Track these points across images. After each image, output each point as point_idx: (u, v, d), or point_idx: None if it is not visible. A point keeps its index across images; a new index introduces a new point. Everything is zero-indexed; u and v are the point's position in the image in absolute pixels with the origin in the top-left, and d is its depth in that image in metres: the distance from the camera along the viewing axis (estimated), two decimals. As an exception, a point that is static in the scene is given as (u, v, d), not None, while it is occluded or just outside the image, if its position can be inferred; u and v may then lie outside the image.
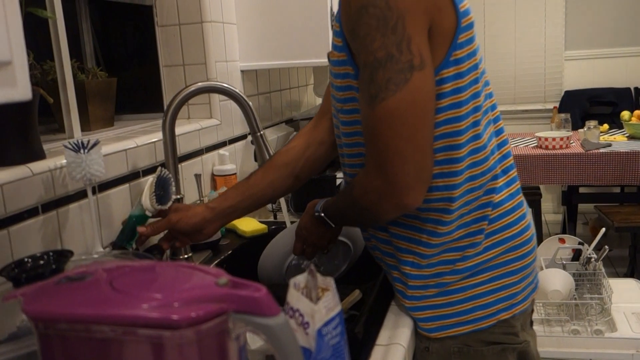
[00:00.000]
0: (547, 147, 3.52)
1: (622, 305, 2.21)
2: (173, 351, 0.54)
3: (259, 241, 1.65)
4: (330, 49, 1.88)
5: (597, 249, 2.46)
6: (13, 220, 1.04)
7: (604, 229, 2.40)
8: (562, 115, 3.85)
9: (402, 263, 1.08)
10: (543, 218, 4.69)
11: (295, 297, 0.77)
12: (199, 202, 1.53)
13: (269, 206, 1.90)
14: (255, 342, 0.95)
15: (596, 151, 3.35)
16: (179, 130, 1.57)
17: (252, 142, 1.42)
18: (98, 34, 1.90)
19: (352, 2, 0.89)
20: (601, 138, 3.68)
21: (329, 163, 2.02)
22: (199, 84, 1.33)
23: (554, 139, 3.50)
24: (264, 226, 1.68)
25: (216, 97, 1.79)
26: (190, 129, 1.65)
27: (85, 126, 1.60)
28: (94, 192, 1.24)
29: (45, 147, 1.26)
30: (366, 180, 0.95)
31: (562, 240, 2.57)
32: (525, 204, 1.14)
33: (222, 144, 1.83)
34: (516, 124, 4.99)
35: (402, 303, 1.09)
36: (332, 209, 1.14)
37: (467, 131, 0.98)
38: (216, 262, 1.47)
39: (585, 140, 3.54)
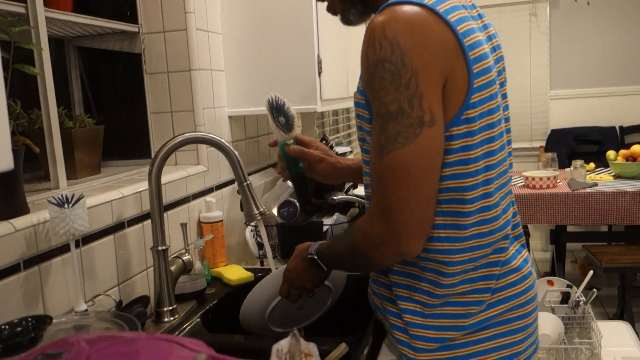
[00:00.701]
0: (534, 187, 3.54)
1: (612, 349, 2.20)
2: None
3: (245, 290, 1.63)
4: (317, 95, 1.90)
5: (588, 288, 2.46)
6: (-6, 277, 1.03)
7: (591, 272, 2.40)
8: (549, 154, 3.89)
9: (404, 312, 1.08)
10: (532, 257, 4.70)
11: (278, 364, 0.76)
12: (184, 251, 1.52)
13: (256, 252, 1.89)
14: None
15: (583, 191, 3.37)
16: (165, 178, 1.57)
17: (238, 192, 1.41)
18: (88, 79, 1.91)
19: (369, 55, 0.95)
20: (588, 177, 3.71)
21: (315, 209, 2.03)
22: (186, 134, 1.34)
23: (541, 179, 3.53)
24: (250, 274, 1.66)
25: (204, 144, 1.80)
26: (177, 177, 1.65)
27: (72, 174, 1.59)
28: (77, 246, 1.22)
29: (30, 198, 1.26)
30: (368, 225, 0.99)
31: (550, 283, 2.56)
32: (530, 261, 1.15)
33: (209, 190, 1.82)
34: (504, 161, 5.02)
35: (404, 353, 1.08)
36: (326, 252, 1.16)
37: (477, 188, 1.00)
38: (201, 312, 1.45)
39: (572, 180, 3.57)
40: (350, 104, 2.37)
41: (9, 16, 1.29)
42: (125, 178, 1.61)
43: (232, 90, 1.96)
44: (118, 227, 1.37)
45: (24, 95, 1.51)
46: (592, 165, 4.02)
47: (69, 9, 1.52)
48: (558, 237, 3.84)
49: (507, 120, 1.11)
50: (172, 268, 1.43)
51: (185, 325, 1.38)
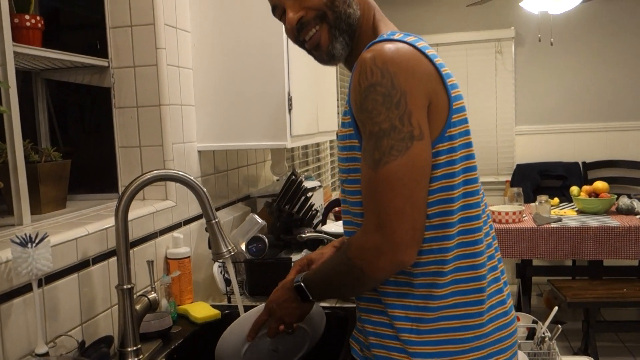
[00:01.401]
0: (500, 221, 3.60)
1: (576, 385, 2.22)
2: None
3: (212, 328, 1.61)
4: (286, 131, 1.91)
5: (553, 322, 2.49)
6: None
7: (556, 308, 2.44)
8: (514, 189, 3.97)
9: (400, 331, 1.10)
10: (499, 289, 4.73)
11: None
12: (150, 288, 1.50)
13: (223, 288, 1.87)
14: None
15: (548, 226, 3.44)
16: (133, 214, 1.55)
17: (206, 230, 1.40)
18: (56, 111, 1.89)
19: (361, 82, 1.04)
20: (552, 212, 3.79)
21: (284, 245, 2.03)
22: (155, 172, 1.33)
23: (507, 213, 3.59)
24: (216, 312, 1.65)
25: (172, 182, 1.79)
26: (144, 212, 1.63)
27: (36, 209, 1.56)
28: (40, 285, 1.20)
29: (-9, 235, 1.23)
30: (364, 238, 1.04)
31: (516, 318, 2.59)
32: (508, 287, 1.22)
33: (177, 226, 1.81)
34: (471, 195, 5.10)
35: None
36: (314, 278, 1.19)
37: (459, 200, 1.08)
38: (166, 352, 1.43)
39: (537, 215, 3.63)
40: (320, 139, 2.39)
41: (-24, 51, 1.27)
42: (91, 213, 1.59)
43: (202, 125, 1.96)
44: (82, 265, 1.35)
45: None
46: (556, 200, 4.11)
47: (38, 43, 1.51)
48: (524, 271, 3.89)
49: None
50: (138, 307, 1.40)
51: (150, 366, 1.35)
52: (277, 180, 2.61)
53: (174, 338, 1.51)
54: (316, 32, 1.17)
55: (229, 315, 1.68)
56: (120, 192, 1.80)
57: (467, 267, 1.10)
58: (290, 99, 1.91)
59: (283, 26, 1.21)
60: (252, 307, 1.33)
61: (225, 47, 1.92)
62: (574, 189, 3.87)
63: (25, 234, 1.09)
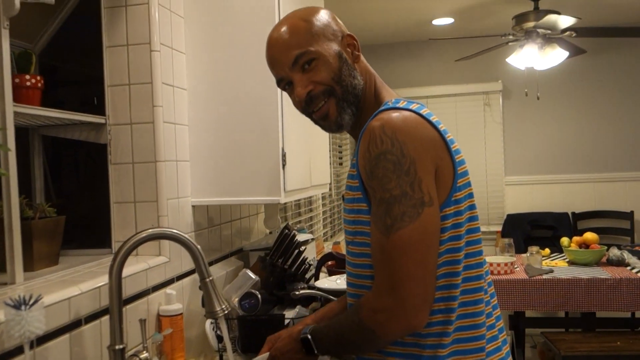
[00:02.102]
0: (492, 273, 3.60)
1: None
2: None
3: (204, 387, 1.59)
4: (280, 187, 1.93)
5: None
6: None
7: (550, 363, 2.42)
8: (506, 240, 3.98)
9: None
10: (492, 340, 4.69)
11: None
12: (142, 347, 1.48)
13: (215, 345, 1.85)
14: None
15: (539, 277, 3.44)
16: (126, 271, 1.54)
17: (200, 288, 1.40)
18: (51, 165, 1.90)
19: (371, 150, 1.08)
20: (543, 263, 3.80)
21: (277, 300, 2.02)
22: (150, 230, 1.33)
23: (498, 264, 3.59)
24: (209, 371, 1.63)
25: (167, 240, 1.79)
26: (138, 269, 1.63)
27: (29, 265, 1.55)
28: (31, 347, 1.18)
29: (-16, 295, 1.22)
30: (377, 301, 1.06)
31: (510, 373, 2.57)
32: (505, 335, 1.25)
33: (170, 282, 1.80)
34: (462, 245, 5.11)
35: None
36: (323, 332, 1.20)
37: (462, 261, 1.12)
38: (158, 414, 1.40)
39: (529, 266, 3.64)
40: (313, 192, 2.41)
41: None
42: (84, 270, 1.58)
43: (196, 180, 1.98)
44: (75, 324, 1.34)
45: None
46: (547, 250, 4.12)
47: (37, 102, 1.54)
48: (517, 323, 3.87)
49: None
50: (129, 367, 1.38)
51: None
52: (270, 233, 2.62)
53: (165, 399, 1.49)
54: (324, 104, 1.20)
55: (221, 374, 1.66)
56: (113, 248, 1.80)
57: (468, 327, 1.13)
58: (284, 155, 1.94)
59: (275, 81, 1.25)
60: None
61: (220, 104, 1.96)
62: (565, 240, 3.90)
63: (19, 296, 1.09)
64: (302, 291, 1.92)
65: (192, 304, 1.91)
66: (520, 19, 3.94)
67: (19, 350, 1.15)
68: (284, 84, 1.23)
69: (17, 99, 1.42)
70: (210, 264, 2.11)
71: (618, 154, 5.08)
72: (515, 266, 3.72)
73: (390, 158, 1.05)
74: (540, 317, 4.57)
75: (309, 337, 1.20)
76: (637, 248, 3.76)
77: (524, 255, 3.87)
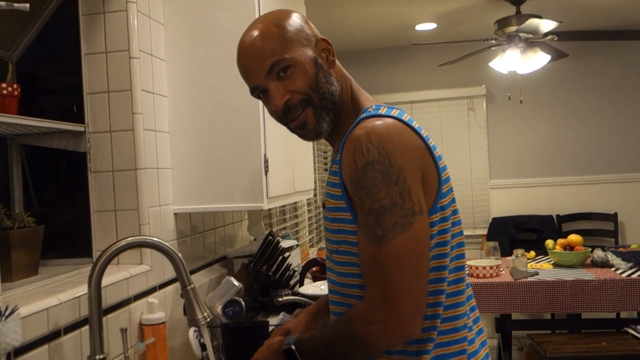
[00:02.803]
0: (478, 276, 3.61)
1: None
2: None
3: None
4: (263, 193, 1.92)
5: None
6: None
7: (536, 365, 2.42)
8: (491, 243, 4.00)
9: None
10: (479, 344, 4.70)
11: None
12: (123, 357, 1.47)
13: (199, 353, 1.83)
14: None
15: (525, 280, 3.46)
16: (106, 280, 1.53)
17: (181, 296, 1.39)
18: (31, 174, 1.88)
19: (357, 159, 1.06)
20: (529, 265, 3.81)
21: (261, 307, 2.01)
22: (130, 238, 1.32)
23: (484, 268, 3.60)
24: (192, 380, 1.61)
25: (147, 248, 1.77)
26: (119, 278, 1.61)
27: (7, 276, 1.53)
28: (8, 359, 1.16)
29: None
30: (370, 312, 1.04)
31: (497, 376, 2.57)
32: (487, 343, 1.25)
33: (152, 290, 1.78)
34: (449, 249, 5.13)
35: None
36: (308, 344, 1.15)
37: (449, 267, 1.12)
38: None
39: (514, 269, 3.65)
40: (296, 198, 2.41)
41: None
42: (64, 280, 1.56)
43: (178, 187, 1.96)
44: (53, 335, 1.32)
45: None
46: (532, 253, 4.14)
47: (14, 111, 1.52)
48: (503, 325, 3.87)
49: None
50: (110, 378, 1.37)
51: None
52: (254, 239, 2.61)
53: (148, 409, 1.47)
54: (302, 113, 1.17)
55: (204, 382, 1.64)
56: (94, 257, 1.78)
57: (449, 330, 1.13)
58: (266, 161, 1.93)
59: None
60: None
61: (201, 111, 1.95)
62: (549, 242, 3.92)
63: (-5, 307, 1.07)
64: (285, 297, 1.91)
65: (175, 313, 1.89)
66: (503, 23, 3.97)
67: (-5, 362, 1.13)
68: (258, 92, 1.19)
69: (-8, 107, 1.41)
70: (194, 271, 2.10)
71: (601, 156, 5.12)
72: (501, 269, 3.74)
73: (378, 168, 1.04)
74: (526, 319, 4.59)
75: (293, 347, 1.15)
76: (621, 249, 3.79)
77: (509, 258, 3.88)
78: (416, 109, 5.24)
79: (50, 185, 1.97)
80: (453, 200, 1.15)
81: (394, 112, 1.12)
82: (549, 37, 3.93)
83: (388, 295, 1.02)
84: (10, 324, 1.07)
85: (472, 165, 5.26)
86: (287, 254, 2.16)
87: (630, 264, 3.60)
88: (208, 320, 1.37)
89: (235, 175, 1.93)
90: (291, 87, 1.14)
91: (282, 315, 1.91)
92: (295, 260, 2.58)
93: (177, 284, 1.91)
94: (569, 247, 3.82)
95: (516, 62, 3.97)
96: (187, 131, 1.96)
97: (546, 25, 3.64)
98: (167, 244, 1.35)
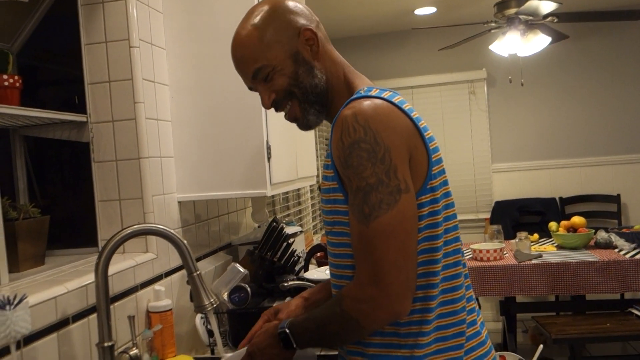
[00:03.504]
0: (481, 259, 3.62)
1: None
2: None
3: (196, 382, 1.59)
4: (266, 180, 1.93)
5: (540, 359, 2.49)
6: None
7: (542, 346, 2.44)
8: (494, 226, 4.00)
9: None
10: (484, 327, 4.73)
11: None
12: (131, 344, 1.48)
13: (206, 340, 1.85)
14: None
15: (528, 262, 3.47)
16: (113, 268, 1.54)
17: (187, 283, 1.40)
18: (34, 166, 1.88)
19: (344, 139, 1.07)
20: (532, 248, 3.82)
21: (267, 293, 2.02)
22: (135, 226, 1.33)
23: (487, 251, 3.61)
24: (200, 365, 1.63)
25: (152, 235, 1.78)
26: (125, 266, 1.62)
27: (14, 267, 1.55)
28: (18, 347, 1.18)
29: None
30: (360, 291, 1.05)
31: (502, 358, 2.59)
32: (485, 327, 1.25)
33: (158, 278, 1.79)
34: (452, 233, 5.15)
35: None
36: (302, 325, 1.17)
37: (441, 248, 1.12)
38: (149, 410, 1.40)
39: (518, 252, 3.66)
40: (300, 184, 2.41)
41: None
42: (71, 270, 1.57)
43: (181, 176, 1.97)
44: (62, 324, 1.33)
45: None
46: (535, 236, 4.15)
47: (17, 102, 1.53)
48: (508, 308, 3.90)
49: None
50: (119, 364, 1.38)
51: None
52: (259, 227, 2.62)
53: (157, 394, 1.49)
54: (290, 107, 1.23)
55: (212, 368, 1.66)
56: (99, 246, 1.79)
57: (448, 314, 1.13)
58: (269, 148, 1.93)
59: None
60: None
61: (202, 98, 1.95)
62: (553, 225, 3.92)
63: (3, 296, 1.08)
64: (290, 282, 1.92)
65: (181, 300, 1.91)
66: (502, 5, 3.95)
67: (6, 350, 1.14)
68: (254, 90, 1.27)
69: (-6, 98, 1.41)
70: (199, 259, 2.11)
71: (603, 138, 5.12)
72: (505, 252, 3.75)
73: (364, 147, 1.05)
74: (530, 301, 4.61)
75: (287, 331, 1.18)
76: (624, 230, 3.80)
77: (512, 241, 3.89)
78: (417, 94, 5.23)
79: (54, 176, 1.97)
80: (445, 182, 1.15)
81: (386, 94, 1.12)
82: (549, 18, 3.91)
83: (377, 273, 1.03)
84: (19, 312, 1.08)
85: (474, 149, 5.25)
86: (291, 240, 2.17)
87: (633, 245, 3.61)
88: (215, 305, 1.38)
89: (238, 162, 1.93)
90: (274, 87, 1.21)
91: (287, 300, 1.92)
92: (299, 246, 2.59)
93: (183, 272, 1.92)
94: (572, 229, 3.83)
95: (516, 44, 3.95)
96: (189, 119, 1.96)
97: (546, 6, 3.62)
98: (171, 230, 1.36)
